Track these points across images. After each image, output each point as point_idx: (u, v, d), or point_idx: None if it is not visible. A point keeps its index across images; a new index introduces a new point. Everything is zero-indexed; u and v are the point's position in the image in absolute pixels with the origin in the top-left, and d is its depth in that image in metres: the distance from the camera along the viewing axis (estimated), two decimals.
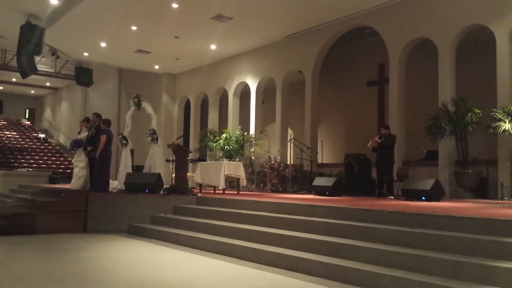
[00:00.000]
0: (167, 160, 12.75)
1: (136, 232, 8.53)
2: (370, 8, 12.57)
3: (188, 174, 11.89)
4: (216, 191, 11.39)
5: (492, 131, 9.66)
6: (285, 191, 12.70)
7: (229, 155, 15.61)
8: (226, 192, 11.11)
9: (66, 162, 21.15)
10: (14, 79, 23.33)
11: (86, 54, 18.31)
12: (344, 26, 13.71)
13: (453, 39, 11.07)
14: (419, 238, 4.97)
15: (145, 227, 8.49)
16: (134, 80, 21.06)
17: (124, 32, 15.24)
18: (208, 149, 16.67)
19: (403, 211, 5.69)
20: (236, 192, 11.24)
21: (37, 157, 21.50)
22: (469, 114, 9.90)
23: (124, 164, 11.60)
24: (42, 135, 25.18)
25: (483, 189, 10.33)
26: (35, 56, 14.68)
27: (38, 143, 23.87)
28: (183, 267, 5.85)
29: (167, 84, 21.17)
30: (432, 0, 11.49)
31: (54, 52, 16.97)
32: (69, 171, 18.74)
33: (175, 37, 15.55)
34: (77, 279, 4.98)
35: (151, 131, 11.70)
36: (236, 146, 15.73)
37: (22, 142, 23.44)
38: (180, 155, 10.89)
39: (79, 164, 10.07)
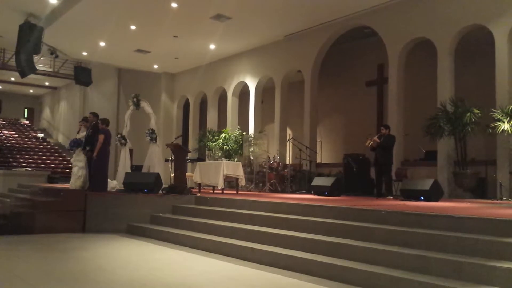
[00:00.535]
0: (166, 160, 12.74)
1: (135, 231, 8.53)
2: (369, 8, 12.58)
3: (187, 174, 11.89)
4: (215, 191, 11.39)
5: (491, 131, 9.67)
6: (284, 191, 12.70)
7: (228, 155, 15.62)
8: (225, 192, 11.12)
9: (65, 162, 21.13)
10: (13, 79, 23.29)
11: (85, 53, 18.29)
12: (343, 26, 13.71)
13: (452, 39, 11.08)
14: (418, 238, 4.98)
15: (144, 226, 8.49)
16: (133, 79, 21.05)
17: (123, 31, 15.23)
18: (207, 148, 16.68)
19: (402, 211, 5.69)
20: (235, 192, 11.24)
21: (36, 157, 21.47)
22: (468, 114, 9.91)
23: (123, 164, 11.60)
24: (41, 135, 25.16)
25: (481, 189, 10.35)
26: (34, 55, 14.66)
27: (37, 143, 23.84)
28: (182, 266, 5.85)
29: (166, 83, 21.16)
30: (431, 0, 11.50)
31: (53, 52, 16.94)
32: (68, 170, 18.69)
33: (174, 36, 15.54)
34: (76, 278, 4.98)
35: (150, 131, 11.70)
36: (235, 146, 15.74)
37: (21, 142, 23.41)
38: (179, 155, 10.87)
39: (78, 164, 10.06)
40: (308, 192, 11.50)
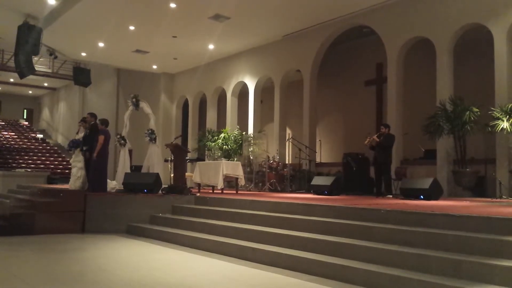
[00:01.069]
0: (166, 160, 12.74)
1: (135, 232, 8.52)
2: (368, 7, 12.58)
3: (186, 174, 11.90)
4: (215, 191, 11.39)
5: (490, 130, 9.67)
6: (283, 190, 12.70)
7: (228, 155, 15.62)
8: (224, 191, 11.12)
9: (64, 163, 21.13)
10: (12, 80, 23.29)
11: (84, 54, 18.28)
12: (342, 25, 13.71)
13: (451, 38, 11.08)
14: (417, 237, 4.98)
15: (143, 227, 8.48)
16: (132, 80, 21.06)
17: (122, 32, 15.22)
18: (206, 148, 16.67)
19: (401, 210, 5.70)
20: (234, 192, 11.24)
21: (35, 158, 21.47)
22: (467, 113, 9.91)
23: (123, 164, 11.59)
24: (40, 136, 25.16)
25: (481, 188, 10.36)
26: (33, 56, 14.66)
27: (36, 144, 23.84)
28: (182, 267, 5.85)
29: (165, 84, 21.15)
30: None
31: (52, 52, 16.95)
32: (67, 171, 18.69)
33: (173, 37, 15.54)
34: (76, 279, 4.97)
35: (149, 131, 11.69)
36: (235, 145, 15.73)
37: (20, 143, 23.41)
38: (179, 155, 10.88)
39: (77, 164, 10.06)
40: (308, 192, 11.51)
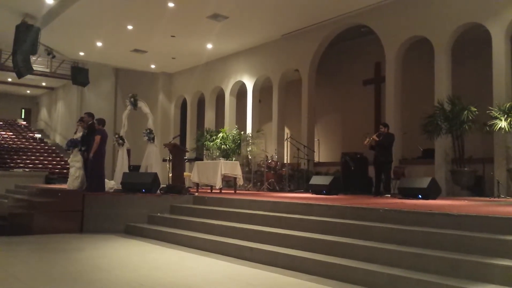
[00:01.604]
0: (164, 160, 12.72)
1: (133, 232, 8.51)
2: (366, 6, 12.59)
3: (185, 173, 11.88)
4: (213, 191, 11.39)
5: (488, 129, 9.69)
6: (282, 190, 12.71)
7: (226, 154, 15.62)
8: (223, 191, 11.12)
9: (63, 162, 21.09)
10: (9, 79, 23.24)
11: (82, 53, 18.26)
12: (341, 24, 13.72)
13: (449, 38, 11.09)
14: (415, 236, 4.98)
15: (142, 227, 8.47)
16: (130, 79, 21.03)
17: (120, 31, 15.20)
18: (205, 148, 16.67)
19: (399, 209, 5.70)
20: (233, 192, 11.24)
21: (33, 157, 21.43)
22: (465, 112, 9.92)
23: (121, 164, 11.58)
24: (38, 135, 25.10)
25: (479, 187, 10.37)
26: (30, 56, 14.64)
27: (34, 143, 23.79)
28: (180, 266, 5.84)
29: (164, 83, 21.13)
30: None
31: (49, 52, 16.92)
32: (65, 171, 18.68)
33: (172, 36, 15.53)
34: (74, 279, 4.97)
35: (148, 131, 11.68)
36: (233, 145, 15.73)
37: (18, 142, 23.36)
38: (177, 155, 10.87)
39: (76, 164, 10.05)
40: (306, 191, 11.51)
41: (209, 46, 16.55)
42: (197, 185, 11.91)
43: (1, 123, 25.87)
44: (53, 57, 17.69)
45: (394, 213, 5.68)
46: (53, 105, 26.20)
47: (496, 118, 9.48)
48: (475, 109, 9.97)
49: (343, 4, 12.56)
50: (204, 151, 16.81)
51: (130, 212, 8.90)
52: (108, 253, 6.66)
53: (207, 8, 12.87)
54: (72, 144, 10.03)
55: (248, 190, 13.55)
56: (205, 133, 16.84)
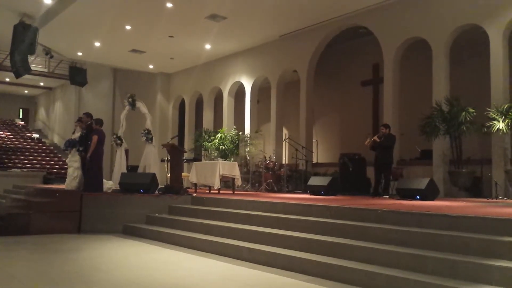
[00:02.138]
0: (162, 160, 12.72)
1: (131, 232, 8.50)
2: (365, 8, 12.60)
3: (183, 174, 11.86)
4: (211, 191, 11.38)
5: (486, 130, 9.71)
6: (280, 190, 12.70)
7: (224, 155, 15.61)
8: (221, 192, 11.11)
9: (60, 162, 21.06)
10: (7, 79, 23.19)
11: (80, 53, 18.23)
12: (339, 26, 13.73)
13: (447, 39, 11.11)
14: (414, 237, 4.99)
15: (140, 227, 8.46)
16: (129, 79, 21.01)
17: (118, 31, 15.19)
18: (203, 149, 16.66)
19: (398, 210, 5.71)
20: (231, 192, 11.24)
21: (31, 157, 21.39)
22: (463, 113, 9.94)
23: (119, 164, 11.57)
24: (36, 135, 25.05)
25: (477, 188, 10.38)
26: (28, 55, 14.61)
27: (32, 143, 23.74)
28: (178, 267, 5.84)
29: (162, 83, 21.12)
30: (426, 0, 11.52)
31: (48, 52, 16.90)
32: (63, 171, 18.66)
33: (170, 36, 15.52)
34: (71, 279, 4.96)
35: (146, 131, 11.67)
36: (231, 145, 15.73)
37: (16, 142, 23.31)
38: (175, 155, 10.86)
39: (73, 164, 10.04)
40: (304, 192, 11.51)
41: (208, 46, 16.55)
42: (195, 185, 11.89)
43: None
44: (51, 57, 17.67)
45: (392, 214, 5.68)
46: (51, 105, 26.15)
47: (494, 119, 9.49)
48: (473, 110, 9.98)
49: (342, 5, 12.57)
50: (202, 151, 16.80)
51: (128, 212, 8.88)
52: (106, 254, 6.65)
53: (205, 8, 12.87)
54: (70, 144, 10.02)
55: (246, 190, 13.54)
56: (203, 134, 16.83)
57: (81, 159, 9.84)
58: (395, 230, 5.24)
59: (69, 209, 8.78)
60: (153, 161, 11.59)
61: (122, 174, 10.50)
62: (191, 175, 11.68)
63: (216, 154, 15.82)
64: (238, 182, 11.40)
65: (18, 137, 24.45)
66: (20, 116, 29.44)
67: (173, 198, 9.27)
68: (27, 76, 16.02)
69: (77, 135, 10.13)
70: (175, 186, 9.85)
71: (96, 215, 8.80)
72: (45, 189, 11.48)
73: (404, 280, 4.30)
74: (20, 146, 22.83)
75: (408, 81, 13.06)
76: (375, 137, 9.86)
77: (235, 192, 11.36)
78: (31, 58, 15.94)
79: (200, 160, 14.91)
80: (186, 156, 14.89)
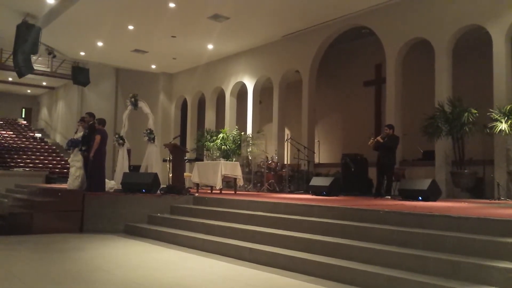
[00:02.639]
0: (164, 160, 12.72)
1: (133, 232, 8.52)
2: (367, 8, 12.59)
3: (185, 174, 11.88)
4: (213, 191, 11.39)
5: (488, 131, 9.69)
6: (282, 191, 12.70)
7: (226, 155, 15.62)
8: (223, 192, 11.12)
9: (63, 162, 21.10)
10: (10, 79, 23.25)
11: (82, 53, 18.26)
12: (341, 26, 13.72)
13: (450, 40, 11.09)
14: (416, 238, 4.98)
15: (142, 227, 8.48)
16: (131, 79, 21.04)
17: (121, 31, 15.21)
18: (205, 149, 16.66)
19: (400, 211, 5.70)
20: (233, 192, 11.24)
21: (33, 157, 21.43)
22: (466, 114, 9.92)
23: (121, 164, 11.57)
24: (38, 135, 25.10)
25: (479, 189, 10.37)
26: (31, 55, 14.64)
27: (35, 143, 23.79)
28: (180, 267, 5.84)
29: (164, 83, 21.14)
30: (429, 0, 11.51)
31: (50, 52, 16.94)
32: (65, 171, 18.67)
33: (172, 36, 15.53)
34: (73, 279, 4.97)
35: (148, 131, 11.68)
36: (233, 146, 15.73)
37: (19, 142, 23.36)
38: (177, 155, 10.87)
39: (76, 164, 10.05)
40: (306, 192, 11.51)
41: (210, 46, 16.56)
42: (197, 185, 11.90)
43: (2, 122, 25.88)
44: (54, 56, 17.71)
45: (394, 214, 5.68)
46: (54, 105, 26.21)
47: (496, 120, 9.47)
48: (476, 111, 9.96)
49: (344, 5, 12.56)
50: (205, 151, 16.81)
51: (130, 212, 8.90)
52: (108, 253, 6.66)
53: (208, 8, 12.88)
54: (73, 144, 10.04)
55: (248, 190, 13.55)
56: (206, 134, 16.84)
57: (84, 158, 9.85)
58: (397, 231, 5.23)
59: (71, 208, 8.80)
60: (155, 161, 11.60)
61: (124, 174, 10.51)
62: (193, 175, 11.69)
63: (218, 154, 15.83)
64: (240, 182, 11.41)
65: (21, 136, 24.51)
66: (23, 116, 29.51)
67: (175, 198, 9.28)
68: (29, 75, 16.05)
69: (79, 134, 10.14)
70: (177, 186, 9.86)
71: (98, 214, 8.82)
72: (48, 188, 11.50)
73: (405, 281, 4.29)
74: (23, 145, 22.89)
75: (411, 81, 13.05)
76: (379, 138, 9.84)
77: (237, 192, 11.37)
78: (34, 58, 16.00)
79: (202, 160, 14.92)
80: (188, 156, 14.90)
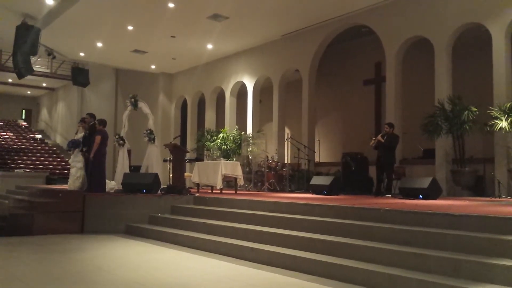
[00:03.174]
0: (165, 160, 12.72)
1: (134, 232, 8.52)
2: (367, 6, 12.59)
3: (185, 174, 11.88)
4: (214, 191, 11.39)
5: (488, 129, 9.69)
6: (282, 190, 12.70)
7: (227, 155, 15.62)
8: (223, 191, 11.11)
9: (63, 163, 21.10)
10: (10, 80, 23.25)
11: (82, 54, 18.26)
12: (341, 25, 13.72)
13: (449, 38, 11.09)
14: (416, 236, 4.98)
15: (142, 227, 8.48)
16: (131, 80, 21.04)
17: (121, 32, 15.21)
18: (205, 148, 16.67)
19: (400, 210, 5.70)
20: (233, 192, 11.24)
21: (34, 158, 21.44)
22: (466, 112, 9.92)
23: (121, 164, 11.57)
24: (38, 136, 25.11)
25: (480, 187, 10.37)
26: (31, 56, 14.65)
27: (35, 144, 23.79)
28: (181, 267, 5.84)
29: (164, 84, 21.14)
30: None
31: (50, 53, 16.94)
32: (66, 171, 18.66)
33: (172, 36, 15.53)
34: (74, 279, 4.97)
35: (148, 131, 11.68)
36: (234, 145, 15.73)
37: (19, 143, 23.37)
38: (178, 155, 10.87)
39: (76, 165, 10.05)
40: (307, 191, 11.51)
41: (210, 46, 16.56)
42: (198, 185, 11.91)
43: (2, 123, 25.88)
44: (54, 57, 17.71)
45: (395, 213, 5.68)
46: (54, 106, 26.22)
47: (496, 118, 9.47)
48: (476, 109, 9.97)
49: (344, 4, 12.56)
50: (205, 151, 16.81)
51: (131, 212, 8.90)
52: (109, 254, 6.67)
53: (207, 8, 12.88)
54: (74, 144, 10.03)
55: (249, 190, 13.55)
56: (206, 134, 16.84)
57: (84, 159, 9.86)
58: (397, 230, 5.23)
59: (72, 209, 8.80)
60: (155, 161, 11.60)
61: (125, 174, 10.51)
62: (194, 175, 11.69)
63: (218, 154, 15.83)
64: (241, 182, 11.40)
65: (21, 137, 24.51)
66: (23, 117, 29.51)
67: (175, 198, 9.28)
68: (29, 77, 16.05)
69: (80, 135, 10.14)
70: (178, 186, 9.86)
71: (99, 215, 8.82)
72: (48, 189, 11.50)
73: (406, 279, 4.29)
74: (23, 146, 22.89)
75: (411, 80, 13.04)
76: (379, 137, 9.84)
77: (238, 192, 11.37)
78: (33, 59, 16.00)
79: (203, 160, 14.91)
80: (188, 156, 14.90)
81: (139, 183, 9.70)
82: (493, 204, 7.44)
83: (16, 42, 13.91)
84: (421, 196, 8.25)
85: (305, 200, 7.49)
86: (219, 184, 10.73)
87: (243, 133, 16.09)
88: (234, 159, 15.23)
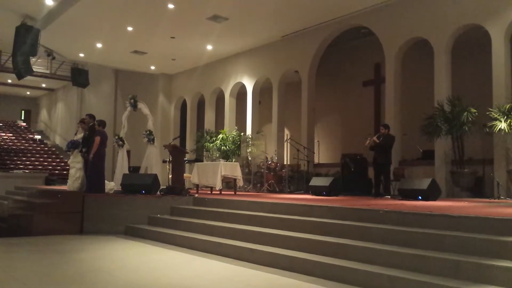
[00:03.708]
0: (164, 161, 12.72)
1: (133, 233, 8.51)
2: (366, 8, 12.60)
3: (185, 174, 11.88)
4: (213, 192, 11.38)
5: (488, 130, 9.69)
6: (282, 191, 12.70)
7: (226, 156, 15.62)
8: (223, 192, 11.11)
9: (63, 164, 21.09)
10: (9, 80, 23.25)
11: (82, 55, 18.26)
12: (340, 26, 13.72)
13: (449, 39, 11.10)
14: (416, 238, 4.98)
15: (142, 228, 8.47)
16: (130, 81, 21.04)
17: (120, 32, 15.21)
18: (204, 149, 16.68)
19: (400, 211, 5.70)
20: (233, 193, 11.24)
21: (33, 159, 21.43)
22: (465, 113, 9.92)
23: (121, 165, 11.58)
24: (38, 137, 25.09)
25: (479, 188, 10.37)
26: (30, 57, 14.64)
27: (34, 145, 23.78)
28: (180, 267, 5.84)
29: (163, 84, 21.13)
30: (428, 0, 11.52)
31: (49, 53, 16.94)
32: (65, 172, 18.65)
33: (171, 37, 15.53)
34: (73, 280, 4.97)
35: (148, 132, 11.69)
36: (233, 146, 15.74)
37: (18, 144, 23.35)
38: (177, 156, 10.87)
39: (76, 165, 10.05)
40: (306, 193, 11.51)
41: (209, 47, 16.56)
42: (197, 186, 11.90)
43: (1, 124, 25.87)
44: (53, 58, 17.71)
45: (394, 214, 5.68)
46: (53, 107, 26.21)
47: (495, 119, 9.47)
48: (475, 110, 9.97)
49: (343, 5, 12.56)
50: (204, 152, 16.81)
51: (130, 213, 8.90)
52: (108, 254, 6.66)
53: (207, 9, 12.87)
54: (73, 145, 10.03)
55: (248, 191, 13.55)
56: (205, 134, 16.85)
57: (84, 160, 9.85)
58: (397, 231, 5.24)
59: (71, 210, 8.80)
60: (154, 162, 11.61)
61: (124, 175, 10.51)
62: (193, 176, 11.69)
63: (217, 155, 15.83)
64: (240, 183, 11.40)
65: (20, 138, 24.50)
66: (22, 118, 29.50)
67: (174, 199, 9.28)
68: (29, 77, 16.04)
69: (79, 136, 10.14)
70: (177, 187, 9.86)
71: (98, 216, 8.82)
72: (47, 190, 11.49)
73: (406, 281, 4.29)
74: (22, 147, 22.88)
75: (410, 81, 13.06)
76: (375, 138, 9.86)
77: (237, 193, 11.36)
78: (33, 60, 15.99)
79: (202, 161, 14.91)
80: (187, 157, 14.89)
81: (138, 184, 9.70)
82: (492, 205, 7.45)
83: (16, 42, 13.89)
84: (420, 197, 8.25)
85: (305, 201, 7.49)
86: (218, 185, 10.72)
87: (242, 134, 16.09)
88: (234, 160, 15.23)
